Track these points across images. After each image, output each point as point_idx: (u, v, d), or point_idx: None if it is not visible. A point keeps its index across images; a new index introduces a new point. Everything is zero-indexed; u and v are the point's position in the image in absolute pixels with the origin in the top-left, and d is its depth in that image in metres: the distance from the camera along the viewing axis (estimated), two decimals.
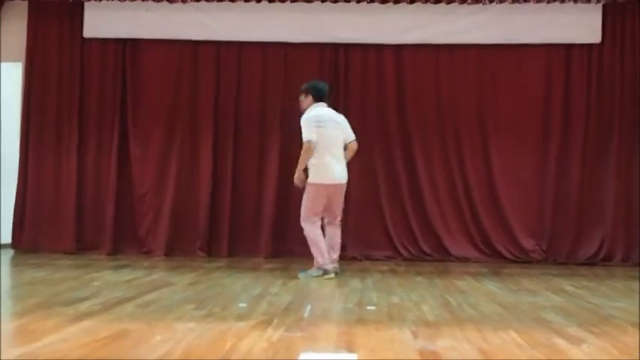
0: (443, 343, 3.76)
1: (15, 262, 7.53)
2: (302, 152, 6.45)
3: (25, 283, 5.84)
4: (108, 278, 6.18)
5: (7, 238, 8.35)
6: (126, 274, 6.42)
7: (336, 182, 6.50)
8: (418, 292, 5.58)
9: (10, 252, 8.19)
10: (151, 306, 4.72)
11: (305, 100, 6.71)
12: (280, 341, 3.70)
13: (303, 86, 6.79)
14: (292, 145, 8.04)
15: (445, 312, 4.68)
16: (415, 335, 3.92)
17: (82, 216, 8.31)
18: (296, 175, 6.48)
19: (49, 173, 8.34)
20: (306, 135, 6.43)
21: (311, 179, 6.47)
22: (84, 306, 4.61)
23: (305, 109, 6.64)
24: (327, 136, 6.49)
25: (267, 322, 4.16)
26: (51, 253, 7.97)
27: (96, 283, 5.80)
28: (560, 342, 3.78)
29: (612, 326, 4.28)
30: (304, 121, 6.51)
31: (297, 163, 6.49)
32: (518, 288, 5.99)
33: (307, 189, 6.50)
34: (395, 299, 5.20)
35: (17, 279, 6.07)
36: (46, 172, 8.35)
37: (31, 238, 8.25)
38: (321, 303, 4.99)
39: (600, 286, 6.23)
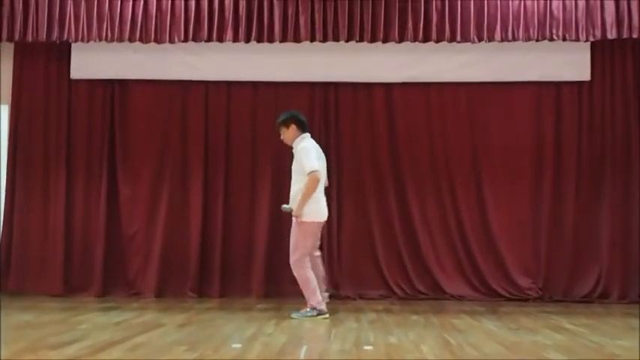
0: None
1: (1, 305, 7.33)
2: (309, 183, 6.24)
3: (11, 327, 5.66)
4: (96, 320, 6.01)
5: None
6: (115, 316, 6.26)
7: (326, 218, 6.56)
8: (416, 332, 5.46)
9: None
10: (141, 349, 4.56)
11: (289, 131, 6.58)
12: None
13: (284, 118, 6.64)
14: (283, 184, 7.95)
15: (446, 352, 4.55)
16: None
17: (70, 257, 8.13)
18: (299, 209, 6.23)
19: (37, 215, 8.19)
20: (312, 164, 6.24)
21: (310, 217, 6.33)
22: (71, 350, 4.46)
23: (293, 140, 6.57)
24: (322, 169, 6.45)
25: None
26: (37, 296, 7.76)
27: (83, 326, 5.63)
28: None
29: None
30: (306, 149, 6.38)
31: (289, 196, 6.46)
32: (517, 327, 5.87)
33: (304, 228, 6.33)
34: (392, 339, 5.07)
35: (3, 322, 5.88)
36: (33, 213, 8.20)
37: (17, 280, 8.04)
38: (317, 344, 4.85)
39: (600, 323, 6.12)
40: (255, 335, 5.18)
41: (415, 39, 7.74)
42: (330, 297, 7.75)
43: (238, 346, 4.68)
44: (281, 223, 8.10)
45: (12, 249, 8.14)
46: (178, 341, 4.89)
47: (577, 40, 7.70)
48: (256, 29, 7.74)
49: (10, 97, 8.33)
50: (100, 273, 8.05)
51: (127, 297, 7.91)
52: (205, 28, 7.74)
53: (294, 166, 6.53)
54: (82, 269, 8.12)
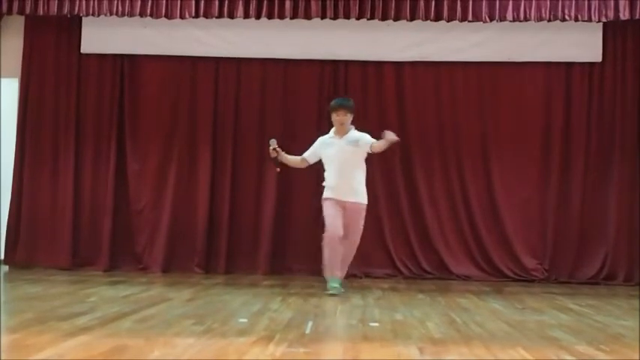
0: None
1: (9, 278, 7.41)
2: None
3: (20, 299, 5.72)
4: (104, 294, 6.07)
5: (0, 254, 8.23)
6: (123, 290, 6.31)
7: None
8: (421, 310, 5.48)
9: (4, 268, 8.06)
10: (149, 321, 4.61)
11: (350, 117, 6.64)
12: (283, 358, 3.60)
13: (352, 105, 6.67)
14: None
15: (451, 329, 4.58)
16: (422, 352, 3.82)
17: (78, 231, 8.20)
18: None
19: (45, 188, 8.24)
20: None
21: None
22: (80, 321, 4.50)
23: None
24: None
25: (268, 338, 4.07)
26: (46, 269, 7.85)
27: (92, 299, 5.68)
28: None
29: (621, 344, 4.20)
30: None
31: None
32: (522, 306, 5.89)
33: None
34: (398, 316, 5.10)
35: (11, 294, 5.95)
36: (41, 187, 8.25)
37: (25, 253, 8.13)
38: (323, 319, 4.88)
39: (605, 304, 6.13)
40: (261, 310, 5.22)
41: (426, 17, 7.70)
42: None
43: (245, 320, 4.72)
44: (288, 200, 8.15)
45: (20, 222, 8.20)
46: (186, 315, 4.93)
47: (589, 20, 7.64)
48: (267, 6, 7.71)
49: (20, 71, 8.34)
50: (108, 247, 8.11)
51: (134, 271, 7.98)
52: (216, 4, 7.73)
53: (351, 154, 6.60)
54: (89, 243, 8.19)
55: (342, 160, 6.46)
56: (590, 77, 8.20)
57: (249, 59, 8.31)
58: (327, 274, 6.36)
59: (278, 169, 6.75)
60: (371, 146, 6.44)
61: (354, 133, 6.56)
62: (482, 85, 8.30)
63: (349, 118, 6.54)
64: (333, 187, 6.45)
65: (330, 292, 6.19)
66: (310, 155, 6.70)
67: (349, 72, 8.32)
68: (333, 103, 6.64)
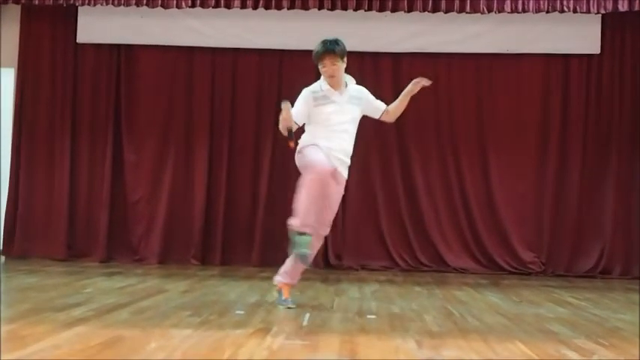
0: (449, 354, 3.64)
1: (5, 269, 7.37)
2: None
3: (16, 289, 5.69)
4: (100, 285, 6.04)
5: None
6: (119, 281, 6.29)
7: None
8: (419, 302, 5.48)
9: (1, 259, 8.03)
10: (146, 312, 4.59)
11: (343, 65, 5.00)
12: (281, 350, 3.59)
13: (343, 48, 4.97)
14: (287, 152, 7.96)
15: (448, 322, 4.57)
16: (420, 345, 3.80)
17: (75, 223, 8.18)
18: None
19: (41, 179, 8.22)
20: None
21: None
22: (76, 312, 4.48)
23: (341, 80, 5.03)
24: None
25: (265, 330, 4.05)
26: (42, 260, 7.83)
27: (88, 290, 5.66)
28: (569, 354, 3.67)
29: (620, 338, 4.18)
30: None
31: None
32: (519, 299, 5.88)
33: None
34: (395, 309, 5.10)
35: (7, 285, 5.92)
36: (38, 178, 8.22)
37: (22, 244, 8.11)
38: (320, 312, 4.86)
39: (602, 298, 6.13)
40: (258, 302, 5.21)
41: (424, 9, 7.69)
42: (334, 267, 7.82)
43: (241, 312, 4.70)
44: (283, 192, 8.11)
45: (17, 213, 8.17)
46: (182, 306, 4.91)
47: (588, 12, 7.63)
48: None
49: (16, 60, 8.29)
50: (104, 238, 8.09)
51: (130, 263, 7.96)
52: None
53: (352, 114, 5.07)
54: (86, 234, 8.18)
55: (342, 122, 4.95)
56: (588, 69, 8.18)
57: (246, 50, 8.27)
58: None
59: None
60: (384, 112, 5.14)
61: (354, 88, 5.09)
62: (480, 77, 8.28)
63: (341, 66, 4.92)
64: (327, 150, 4.90)
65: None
66: (300, 116, 4.93)
67: (347, 63, 8.26)
68: (315, 50, 4.93)
